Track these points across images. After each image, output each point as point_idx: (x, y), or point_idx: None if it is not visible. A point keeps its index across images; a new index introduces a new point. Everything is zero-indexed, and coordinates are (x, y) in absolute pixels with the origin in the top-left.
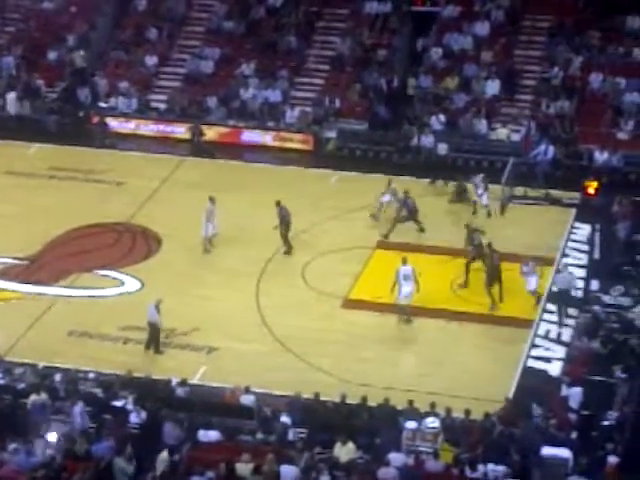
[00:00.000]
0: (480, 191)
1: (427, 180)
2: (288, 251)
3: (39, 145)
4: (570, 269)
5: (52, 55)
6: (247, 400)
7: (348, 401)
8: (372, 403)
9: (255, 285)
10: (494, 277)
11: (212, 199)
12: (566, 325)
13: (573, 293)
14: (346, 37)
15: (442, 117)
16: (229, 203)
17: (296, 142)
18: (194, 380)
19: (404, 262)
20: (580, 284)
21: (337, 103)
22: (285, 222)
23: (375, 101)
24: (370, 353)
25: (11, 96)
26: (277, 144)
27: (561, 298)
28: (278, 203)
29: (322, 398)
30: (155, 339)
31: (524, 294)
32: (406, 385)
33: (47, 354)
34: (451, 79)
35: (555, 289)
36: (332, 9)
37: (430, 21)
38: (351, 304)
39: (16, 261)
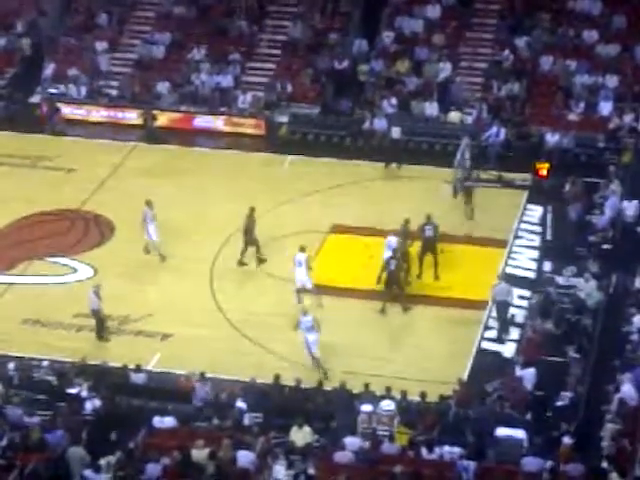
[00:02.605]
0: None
1: (381, 164)
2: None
3: None
4: (505, 283)
5: (1, 41)
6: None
7: (303, 385)
8: (328, 387)
9: (209, 271)
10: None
11: (149, 203)
12: (506, 339)
13: (511, 306)
14: (297, 21)
15: (394, 100)
16: (182, 189)
17: (248, 127)
18: (149, 367)
19: (301, 249)
20: (533, 265)
21: (289, 88)
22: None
23: (328, 87)
24: (325, 337)
25: None
26: (229, 129)
27: (499, 310)
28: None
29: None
30: (101, 325)
31: (476, 276)
32: (361, 369)
33: (0, 343)
34: (402, 62)
35: (493, 301)
36: None
37: (381, 4)
38: (305, 289)
39: None
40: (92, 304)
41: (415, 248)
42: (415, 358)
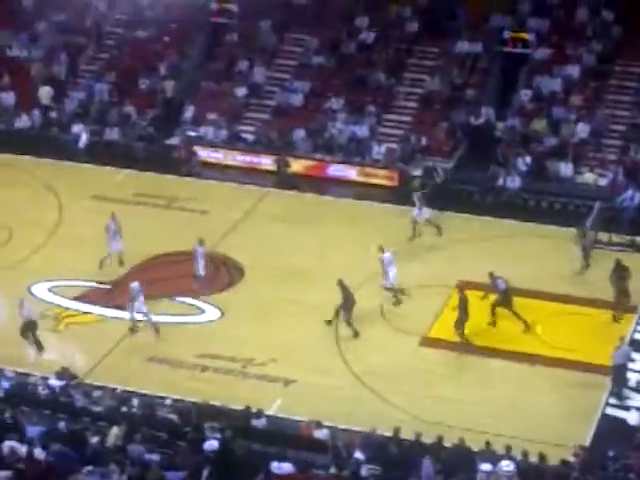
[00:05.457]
0: (419, 209)
1: (509, 221)
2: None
3: (127, 171)
4: (627, 346)
5: (144, 83)
6: (321, 434)
7: (423, 440)
8: (447, 443)
9: (333, 319)
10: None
11: (113, 216)
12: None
13: (627, 369)
14: (436, 75)
15: (528, 159)
16: (312, 236)
17: (381, 178)
18: (270, 411)
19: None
20: None
21: (424, 141)
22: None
23: (463, 142)
24: (446, 392)
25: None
26: (362, 179)
27: (616, 373)
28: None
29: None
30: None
31: (602, 340)
32: (481, 426)
33: (125, 378)
34: (539, 121)
35: (613, 364)
36: (423, 47)
37: (520, 62)
38: (429, 342)
39: (99, 285)
40: (27, 313)
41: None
42: (536, 419)
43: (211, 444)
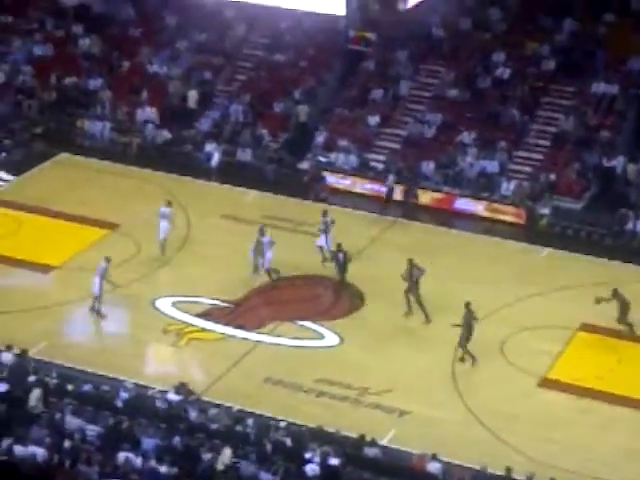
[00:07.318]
0: (324, 234)
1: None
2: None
3: (257, 192)
4: None
5: (278, 106)
6: (433, 468)
7: None
8: None
9: (452, 353)
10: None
11: (170, 203)
12: None
13: None
14: (570, 115)
15: None
16: (435, 269)
17: (508, 215)
18: (383, 441)
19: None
20: None
21: (554, 180)
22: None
23: (594, 184)
24: (562, 436)
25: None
26: (489, 215)
27: None
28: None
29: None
30: None
31: None
32: (595, 472)
33: (242, 398)
34: None
35: None
36: (558, 86)
37: None
38: (548, 384)
39: (222, 303)
40: None
41: None
42: None
43: (312, 468)
